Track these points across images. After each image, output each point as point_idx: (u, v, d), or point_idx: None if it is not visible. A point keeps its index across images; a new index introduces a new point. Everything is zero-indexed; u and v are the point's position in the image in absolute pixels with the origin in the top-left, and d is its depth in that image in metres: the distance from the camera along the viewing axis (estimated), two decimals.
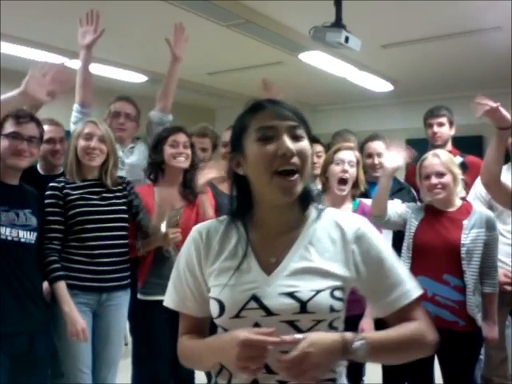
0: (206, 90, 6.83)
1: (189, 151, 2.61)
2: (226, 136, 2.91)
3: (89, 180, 2.39)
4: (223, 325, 1.14)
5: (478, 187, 2.87)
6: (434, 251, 2.38)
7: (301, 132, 1.13)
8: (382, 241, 1.19)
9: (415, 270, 2.39)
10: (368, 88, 6.35)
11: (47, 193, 2.32)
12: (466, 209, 2.46)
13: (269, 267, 1.13)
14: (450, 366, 2.39)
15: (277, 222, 1.17)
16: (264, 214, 1.17)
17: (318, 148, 3.15)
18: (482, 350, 3.09)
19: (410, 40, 4.71)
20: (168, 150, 2.57)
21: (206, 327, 1.24)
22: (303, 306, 1.08)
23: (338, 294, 1.11)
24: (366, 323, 2.45)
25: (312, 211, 1.20)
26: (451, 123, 3.34)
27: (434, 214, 2.49)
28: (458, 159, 3.24)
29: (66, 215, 2.31)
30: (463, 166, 3.20)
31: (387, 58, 5.27)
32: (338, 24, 3.39)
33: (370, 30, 4.19)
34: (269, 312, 1.09)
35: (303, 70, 5.39)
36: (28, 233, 2.14)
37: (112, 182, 2.42)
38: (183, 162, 2.59)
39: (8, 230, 2.07)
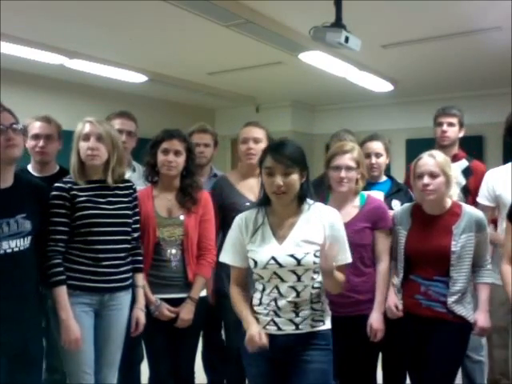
0: (206, 90, 6.82)
1: (180, 159, 2.57)
2: (257, 132, 2.88)
3: (94, 181, 2.38)
4: (256, 272, 2.04)
5: (488, 184, 2.93)
6: (424, 258, 2.40)
7: (291, 170, 1.94)
8: (342, 225, 2.10)
9: (407, 271, 2.46)
10: (368, 88, 6.34)
11: (53, 193, 2.30)
12: (456, 211, 2.42)
13: (280, 239, 2.03)
14: (438, 354, 2.37)
15: (283, 212, 2.05)
16: (275, 206, 2.06)
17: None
18: (484, 353, 3.10)
19: (409, 40, 4.70)
20: (159, 157, 2.57)
21: (246, 276, 2.12)
22: (298, 262, 1.98)
23: (318, 253, 1.96)
24: (374, 319, 2.46)
25: (305, 205, 2.08)
26: (461, 125, 3.28)
27: (422, 220, 2.47)
28: (464, 163, 3.23)
29: (73, 217, 2.30)
30: (467, 171, 3.19)
31: (387, 58, 5.27)
32: (338, 24, 3.39)
33: (369, 30, 4.19)
34: (280, 265, 1.98)
35: (303, 70, 5.39)
36: (21, 240, 2.08)
37: (115, 180, 2.40)
38: (171, 171, 2.57)
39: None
